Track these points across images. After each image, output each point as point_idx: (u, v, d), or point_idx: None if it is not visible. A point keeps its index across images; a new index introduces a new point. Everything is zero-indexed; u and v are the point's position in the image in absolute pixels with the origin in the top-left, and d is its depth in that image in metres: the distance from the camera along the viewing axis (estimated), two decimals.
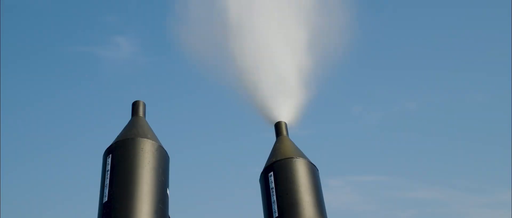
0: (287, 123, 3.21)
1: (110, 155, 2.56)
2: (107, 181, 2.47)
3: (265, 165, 2.93)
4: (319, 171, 2.95)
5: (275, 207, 2.71)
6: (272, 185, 2.80)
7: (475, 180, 10.04)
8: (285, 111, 3.24)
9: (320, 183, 2.89)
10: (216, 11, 3.85)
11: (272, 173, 2.84)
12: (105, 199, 2.41)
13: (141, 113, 2.87)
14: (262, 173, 2.92)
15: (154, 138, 2.69)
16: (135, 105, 2.90)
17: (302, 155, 2.93)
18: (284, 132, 3.15)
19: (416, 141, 10.73)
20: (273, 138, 3.21)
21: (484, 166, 10.14)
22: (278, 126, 3.18)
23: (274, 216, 2.68)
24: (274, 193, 2.76)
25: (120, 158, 2.53)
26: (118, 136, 2.68)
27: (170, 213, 2.60)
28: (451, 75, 10.60)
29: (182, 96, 9.99)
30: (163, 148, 2.69)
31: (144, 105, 2.92)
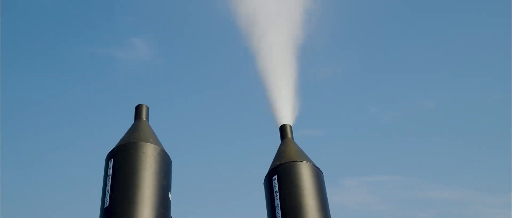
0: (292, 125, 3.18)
1: (112, 159, 2.56)
2: (109, 186, 2.46)
3: (270, 168, 2.91)
4: (323, 175, 2.92)
5: (278, 211, 2.69)
6: (276, 188, 2.77)
7: (493, 179, 9.91)
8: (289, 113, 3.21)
9: (324, 186, 2.86)
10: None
11: (276, 176, 2.82)
12: (107, 203, 2.41)
13: (144, 117, 2.86)
14: (266, 176, 2.89)
15: (156, 141, 2.68)
16: (138, 109, 2.89)
17: (306, 158, 2.90)
18: (289, 135, 3.13)
19: (433, 140, 10.62)
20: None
21: (502, 166, 9.99)
22: (283, 129, 3.16)
23: None
24: (278, 196, 2.74)
25: (121, 162, 2.53)
26: (120, 140, 2.67)
27: (175, 217, 2.59)
28: (468, 74, 10.48)
29: (197, 97, 10.01)
30: (166, 152, 2.68)
31: (148, 109, 2.92)
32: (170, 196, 2.58)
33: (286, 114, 3.21)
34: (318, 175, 2.85)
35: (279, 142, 3.13)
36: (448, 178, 10.33)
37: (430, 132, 10.69)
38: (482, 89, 10.42)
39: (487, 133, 10.35)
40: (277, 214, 2.68)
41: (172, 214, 2.57)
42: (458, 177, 10.24)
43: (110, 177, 2.50)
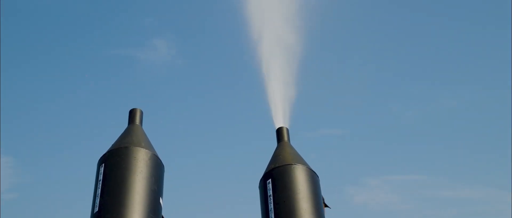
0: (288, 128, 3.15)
1: (103, 164, 2.56)
2: (99, 191, 2.47)
3: (264, 171, 2.88)
4: (319, 178, 2.88)
5: (272, 215, 2.66)
6: (270, 192, 2.74)
7: None
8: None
9: (319, 190, 2.82)
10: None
11: (270, 180, 2.79)
12: (96, 209, 2.41)
13: (137, 121, 2.86)
14: (261, 179, 2.87)
15: (148, 146, 2.68)
16: (131, 113, 2.89)
17: (301, 162, 2.87)
18: (285, 138, 3.09)
19: (456, 139, 10.45)
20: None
21: None
22: (279, 132, 3.12)
23: None
24: (272, 200, 2.71)
25: (112, 167, 2.53)
26: (112, 145, 2.68)
27: None
28: (490, 73, 10.28)
29: (218, 98, 10.02)
30: (158, 157, 2.67)
31: (142, 113, 2.91)
32: (161, 201, 2.58)
33: (283, 116, 3.18)
34: (313, 179, 2.82)
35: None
36: (470, 176, 10.15)
37: (452, 130, 10.52)
38: (504, 88, 10.21)
39: (510, 131, 10.13)
40: None
41: None
42: (481, 176, 10.06)
43: (101, 182, 2.50)
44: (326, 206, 2.84)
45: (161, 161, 2.69)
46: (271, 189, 2.75)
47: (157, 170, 2.62)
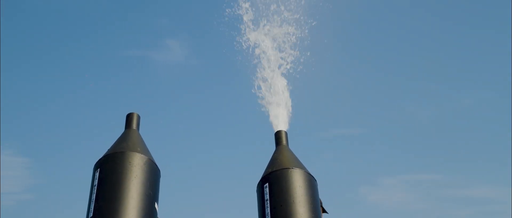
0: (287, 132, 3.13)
1: (99, 169, 2.57)
2: (94, 196, 2.47)
3: (262, 175, 2.87)
4: (317, 182, 2.86)
5: None
6: (267, 196, 2.73)
7: None
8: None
9: (317, 194, 2.79)
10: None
11: (267, 184, 2.77)
12: (91, 214, 2.42)
13: (134, 126, 2.86)
14: (258, 183, 2.85)
15: (144, 151, 2.68)
16: (128, 118, 2.89)
17: (299, 166, 2.84)
18: (284, 141, 3.07)
19: (472, 138, 10.33)
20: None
21: None
22: (278, 135, 3.10)
23: None
24: (269, 204, 2.69)
25: (107, 172, 2.53)
26: (108, 150, 2.68)
27: None
28: (508, 71, 10.13)
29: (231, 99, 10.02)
30: (154, 162, 2.67)
31: (138, 117, 2.91)
32: (156, 206, 2.58)
33: (282, 120, 3.16)
34: (310, 183, 2.79)
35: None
36: (487, 175, 10.02)
37: (468, 129, 10.40)
38: None
39: None
40: None
41: None
42: (498, 174, 9.92)
43: (96, 187, 2.50)
44: (324, 211, 2.81)
45: (157, 165, 2.68)
46: (268, 193, 2.73)
47: (152, 175, 2.62)
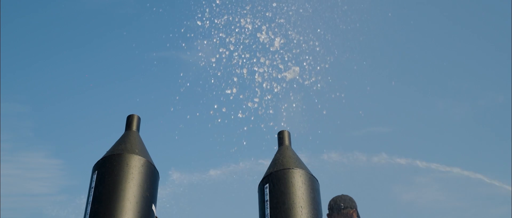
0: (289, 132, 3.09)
1: (96, 172, 2.58)
2: (91, 198, 2.49)
3: (263, 176, 2.84)
4: (319, 184, 2.81)
5: None
6: (267, 197, 2.70)
7: None
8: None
9: (319, 196, 2.75)
10: None
11: (267, 184, 2.74)
12: (87, 217, 2.44)
13: (134, 127, 2.87)
14: (259, 184, 2.83)
15: (142, 153, 2.68)
16: (129, 119, 2.90)
17: (301, 166, 2.80)
18: (286, 142, 3.03)
19: (506, 134, 10.11)
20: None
21: None
22: (280, 136, 3.07)
23: None
24: (268, 206, 2.66)
25: (104, 174, 2.55)
26: (107, 152, 2.70)
27: None
28: None
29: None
30: (152, 164, 2.67)
31: (139, 119, 2.92)
32: (153, 208, 2.58)
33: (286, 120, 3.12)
34: (312, 184, 2.75)
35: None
36: None
37: (502, 126, 10.19)
38: None
39: None
40: None
41: None
42: None
43: (93, 189, 2.52)
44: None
45: (155, 168, 2.69)
46: (268, 194, 2.70)
47: (150, 176, 2.62)
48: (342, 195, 5.81)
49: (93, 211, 2.43)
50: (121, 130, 2.88)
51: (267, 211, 2.65)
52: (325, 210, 2.77)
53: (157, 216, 2.64)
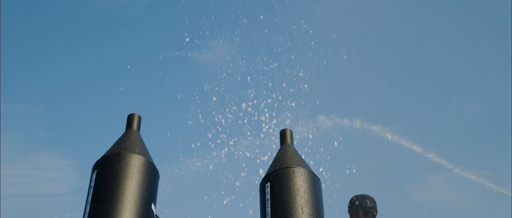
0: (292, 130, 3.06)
1: (95, 171, 2.57)
2: (90, 198, 2.48)
3: (264, 175, 2.81)
4: (321, 182, 2.78)
5: None
6: (268, 196, 2.67)
7: None
8: None
9: (321, 195, 2.71)
10: None
11: (268, 183, 2.72)
12: (85, 216, 2.44)
13: (135, 126, 2.86)
14: (260, 183, 2.80)
15: (142, 152, 2.67)
16: (129, 119, 2.89)
17: (302, 165, 2.77)
18: (289, 140, 3.00)
19: None
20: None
21: None
22: (282, 134, 3.04)
23: None
24: (269, 205, 2.64)
25: (103, 174, 2.54)
26: (107, 151, 2.68)
27: None
28: None
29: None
30: (152, 163, 2.65)
31: (140, 118, 2.91)
32: (153, 207, 2.56)
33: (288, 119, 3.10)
34: (314, 183, 2.71)
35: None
36: None
37: None
38: None
39: None
40: None
41: None
42: None
43: (92, 189, 2.51)
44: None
45: (155, 167, 2.67)
46: (269, 192, 2.68)
47: (150, 176, 2.61)
48: (367, 195, 5.98)
49: (92, 211, 2.42)
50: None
51: (268, 210, 2.62)
52: (327, 209, 2.73)
53: (157, 215, 2.63)
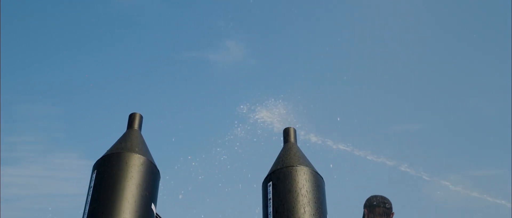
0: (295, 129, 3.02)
1: (96, 171, 2.56)
2: (89, 198, 2.47)
3: (267, 174, 2.78)
4: (324, 182, 2.73)
5: None
6: (270, 195, 2.64)
7: None
8: None
9: (324, 194, 2.67)
10: None
11: (271, 182, 2.68)
12: (85, 216, 2.42)
13: (136, 126, 2.84)
14: (263, 182, 2.77)
15: (143, 151, 2.65)
16: (130, 118, 2.87)
17: (305, 163, 2.73)
18: (292, 139, 2.96)
19: None
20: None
21: None
22: (286, 133, 3.00)
23: None
24: (271, 204, 2.60)
25: (103, 173, 2.52)
26: (107, 151, 2.67)
27: None
28: None
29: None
30: (152, 163, 2.63)
31: (141, 117, 2.89)
32: (153, 207, 2.54)
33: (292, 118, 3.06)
34: (316, 182, 2.67)
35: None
36: None
37: None
38: None
39: None
40: None
41: None
42: None
43: (92, 189, 2.50)
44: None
45: (156, 166, 2.65)
46: (271, 192, 2.64)
47: (150, 175, 2.59)
48: (384, 196, 6.09)
49: (91, 211, 2.41)
50: (146, 130, 2.86)
51: (270, 209, 2.59)
52: (330, 209, 2.69)
53: (158, 214, 2.61)
